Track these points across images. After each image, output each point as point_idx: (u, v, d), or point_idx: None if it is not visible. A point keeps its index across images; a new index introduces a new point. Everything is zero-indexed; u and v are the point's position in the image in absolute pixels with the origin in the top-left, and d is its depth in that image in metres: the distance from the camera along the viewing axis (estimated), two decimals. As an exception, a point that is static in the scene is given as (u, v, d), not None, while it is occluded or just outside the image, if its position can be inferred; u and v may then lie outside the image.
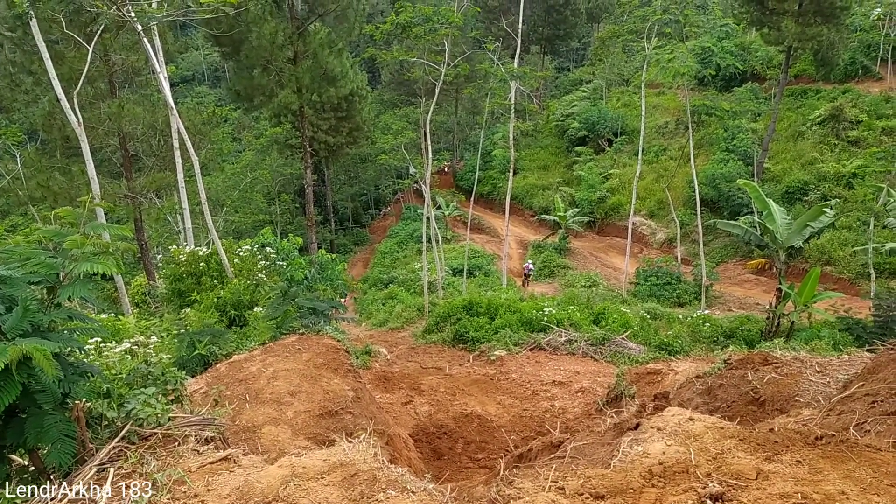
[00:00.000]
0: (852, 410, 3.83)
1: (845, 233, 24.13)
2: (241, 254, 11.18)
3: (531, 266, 26.29)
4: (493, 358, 11.94)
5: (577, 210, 32.72)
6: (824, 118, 30.81)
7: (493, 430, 8.29)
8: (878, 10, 35.95)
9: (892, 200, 16.82)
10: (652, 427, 3.15)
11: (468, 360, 12.66)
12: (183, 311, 9.92)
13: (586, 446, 3.52)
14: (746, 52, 38.60)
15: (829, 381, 5.17)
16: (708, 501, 2.43)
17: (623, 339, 12.84)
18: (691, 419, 3.14)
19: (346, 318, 9.24)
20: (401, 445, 6.90)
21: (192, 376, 6.80)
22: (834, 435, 2.88)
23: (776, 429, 3.01)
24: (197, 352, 7.10)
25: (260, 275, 10.75)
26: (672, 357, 10.57)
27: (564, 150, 40.99)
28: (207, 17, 14.20)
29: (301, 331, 7.47)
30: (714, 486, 2.50)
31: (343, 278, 14.27)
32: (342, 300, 13.39)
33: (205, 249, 11.86)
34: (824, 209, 16.02)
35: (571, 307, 15.60)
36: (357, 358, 11.04)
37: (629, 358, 11.31)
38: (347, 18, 20.30)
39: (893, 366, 3.99)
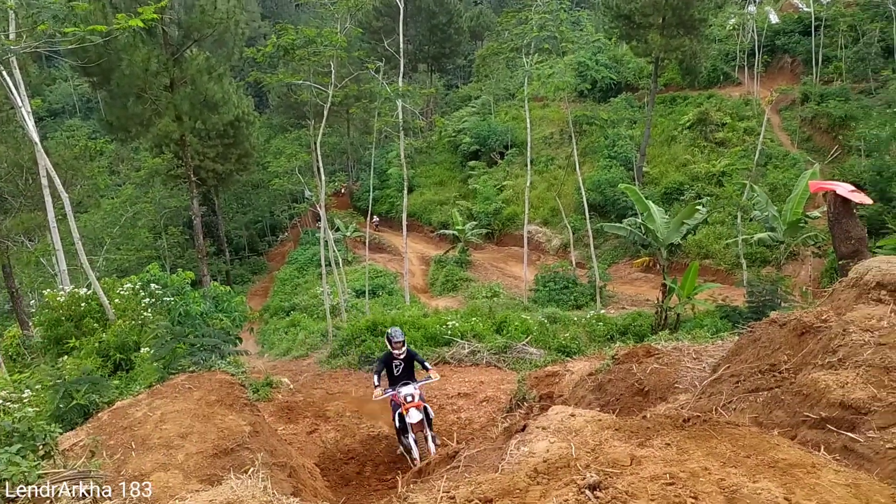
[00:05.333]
0: (720, 392, 4.13)
1: (719, 227, 26.08)
2: (122, 293, 10.54)
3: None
4: (398, 376, 11.87)
5: (475, 223, 33.34)
6: (693, 122, 33.25)
7: (401, 449, 8.24)
8: (733, 20, 39.36)
9: (755, 195, 18.36)
10: (537, 427, 3.25)
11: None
12: (61, 359, 9.22)
13: (479, 453, 3.58)
14: (619, 64, 41.03)
15: (704, 367, 5.54)
16: (587, 491, 2.52)
17: (524, 345, 13.18)
18: (572, 415, 3.27)
19: (239, 352, 8.91)
20: (306, 476, 6.72)
21: (72, 429, 6.34)
22: (699, 416, 3.08)
23: (648, 416, 3.19)
24: (75, 402, 6.61)
25: (145, 313, 10.18)
26: (569, 358, 10.96)
27: (459, 164, 41.76)
28: (72, 46, 13.41)
29: (191, 369, 7.14)
30: (592, 477, 2.60)
31: (240, 310, 13.77)
32: (240, 332, 12.92)
33: (85, 290, 11.11)
34: (697, 207, 17.22)
35: (474, 319, 15.84)
36: (257, 391, 10.68)
37: (530, 363, 11.61)
38: (226, 43, 19.74)
39: (753, 347, 4.34)
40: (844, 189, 5.41)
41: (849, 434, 3.08)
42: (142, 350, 8.92)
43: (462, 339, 13.70)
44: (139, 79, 17.42)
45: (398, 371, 8.14)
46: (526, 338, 13.85)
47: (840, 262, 5.54)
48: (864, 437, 3.02)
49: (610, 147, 33.96)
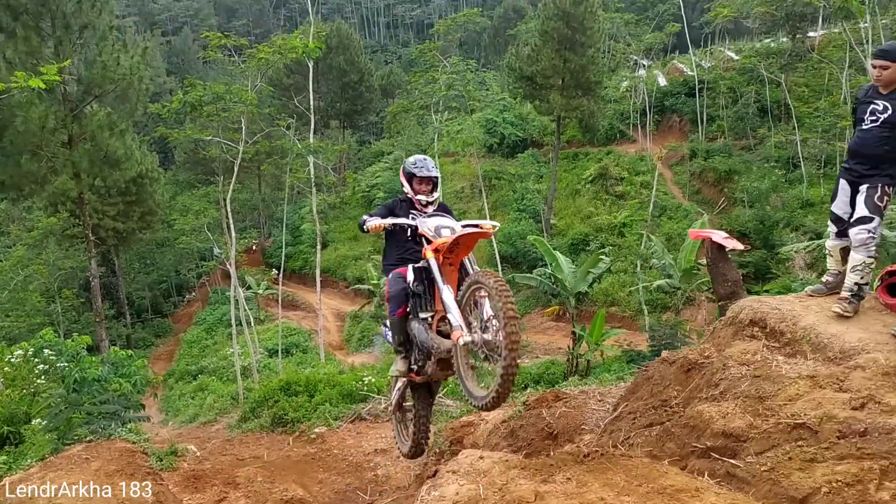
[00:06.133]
0: (619, 429, 4.38)
1: (622, 276, 27.39)
2: (11, 361, 9.82)
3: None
4: (313, 436, 11.60)
5: (389, 277, 33.32)
6: (594, 177, 35.18)
7: (316, 511, 8.02)
8: (625, 83, 42.46)
9: (652, 244, 19.56)
10: (448, 471, 3.34)
11: (288, 443, 12.15)
12: (-62, 437, 8.44)
13: (393, 502, 3.62)
14: (525, 121, 43.06)
15: (607, 407, 5.82)
16: (494, 530, 2.63)
17: (440, 397, 13.20)
18: (481, 457, 3.39)
19: (141, 417, 8.48)
20: (214, 546, 6.41)
21: (-48, 513, 5.80)
22: (597, 450, 3.28)
23: (552, 454, 3.36)
24: (-45, 482, 6.05)
25: (38, 381, 9.51)
26: (485, 407, 11.09)
27: (372, 220, 41.89)
28: (-41, 101, 12.75)
29: (89, 438, 6.73)
30: (498, 515, 2.72)
31: (142, 374, 13.06)
32: (142, 398, 12.25)
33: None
34: (601, 256, 18.13)
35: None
36: (161, 459, 10.10)
37: (447, 415, 11.63)
38: (129, 98, 19.28)
39: (647, 384, 4.65)
40: (719, 236, 5.98)
41: (731, 461, 3.36)
42: (33, 422, 8.29)
43: (378, 394, 13.57)
44: (35, 136, 16.66)
45: (413, 232, 4.63)
46: (442, 390, 13.89)
47: (720, 303, 6.06)
48: (744, 462, 3.31)
49: (519, 200, 35.25)
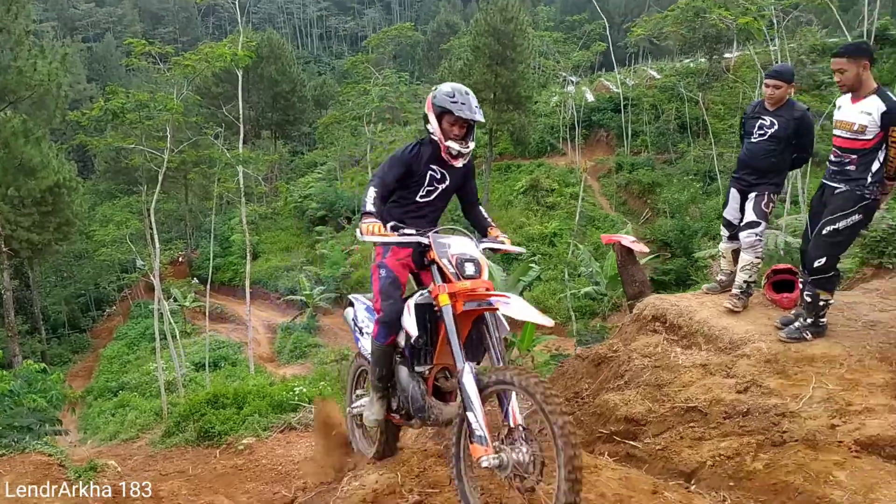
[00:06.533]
0: (535, 421, 4.62)
1: (553, 283, 28.12)
2: (-88, 377, 9.25)
3: None
4: (241, 447, 11.39)
5: (323, 288, 33.03)
6: (526, 188, 36.00)
7: (243, 522, 7.92)
8: (555, 98, 43.76)
9: (580, 252, 20.21)
10: (368, 463, 3.48)
11: (215, 457, 11.90)
12: None
13: (316, 496, 3.73)
14: (458, 134, 43.59)
15: (529, 405, 6.08)
16: (409, 511, 2.78)
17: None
18: (402, 449, 3.54)
19: (58, 431, 8.18)
20: (135, 561, 6.26)
21: None
22: (509, 438, 3.48)
23: (467, 442, 3.55)
24: None
25: (-58, 399, 8.99)
26: (416, 413, 11.23)
27: (305, 230, 41.52)
28: None
29: (1, 452, 6.46)
30: (414, 497, 2.88)
31: (57, 389, 12.52)
32: (59, 414, 11.75)
33: None
34: (530, 265, 18.55)
35: (322, 383, 15.64)
36: (79, 476, 9.73)
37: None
38: (46, 105, 18.54)
39: (563, 379, 4.92)
40: (628, 240, 6.39)
41: (631, 442, 3.64)
42: (-64, 440, 7.84)
43: (310, 403, 13.47)
44: (-60, 141, 15.78)
45: (430, 194, 3.86)
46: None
47: (629, 303, 6.45)
48: (642, 443, 3.60)
49: (452, 211, 35.55)
